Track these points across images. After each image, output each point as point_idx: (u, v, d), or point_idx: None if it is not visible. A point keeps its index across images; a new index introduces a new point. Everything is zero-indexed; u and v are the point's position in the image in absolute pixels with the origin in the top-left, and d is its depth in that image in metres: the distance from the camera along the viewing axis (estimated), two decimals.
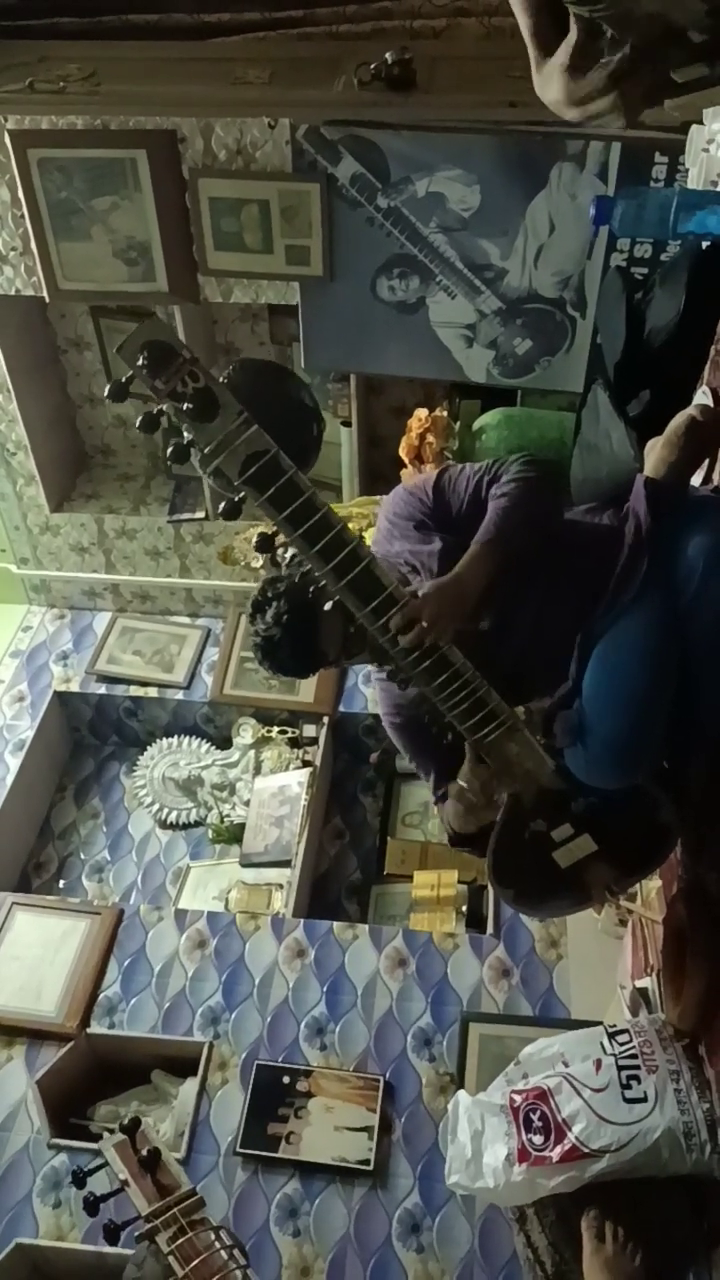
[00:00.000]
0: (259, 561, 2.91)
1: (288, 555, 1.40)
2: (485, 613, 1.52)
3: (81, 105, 2.58)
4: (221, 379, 1.32)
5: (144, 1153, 1.64)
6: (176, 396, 1.26)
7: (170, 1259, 1.53)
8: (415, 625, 1.43)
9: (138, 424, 1.27)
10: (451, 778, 1.74)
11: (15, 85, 2.62)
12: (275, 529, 1.37)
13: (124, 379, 1.26)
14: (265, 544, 1.36)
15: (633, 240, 2.43)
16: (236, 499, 1.31)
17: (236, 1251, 1.57)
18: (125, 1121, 1.69)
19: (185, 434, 1.29)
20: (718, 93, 1.76)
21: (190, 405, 1.26)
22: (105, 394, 1.29)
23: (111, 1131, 1.70)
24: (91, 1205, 1.64)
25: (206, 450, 1.29)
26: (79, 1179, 1.67)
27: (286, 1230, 2.28)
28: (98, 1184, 1.66)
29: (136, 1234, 1.58)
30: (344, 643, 1.56)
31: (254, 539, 1.35)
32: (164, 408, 1.27)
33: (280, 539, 1.37)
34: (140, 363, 1.24)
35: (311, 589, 1.43)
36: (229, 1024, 2.62)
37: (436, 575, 1.57)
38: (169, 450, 1.30)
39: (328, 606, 1.42)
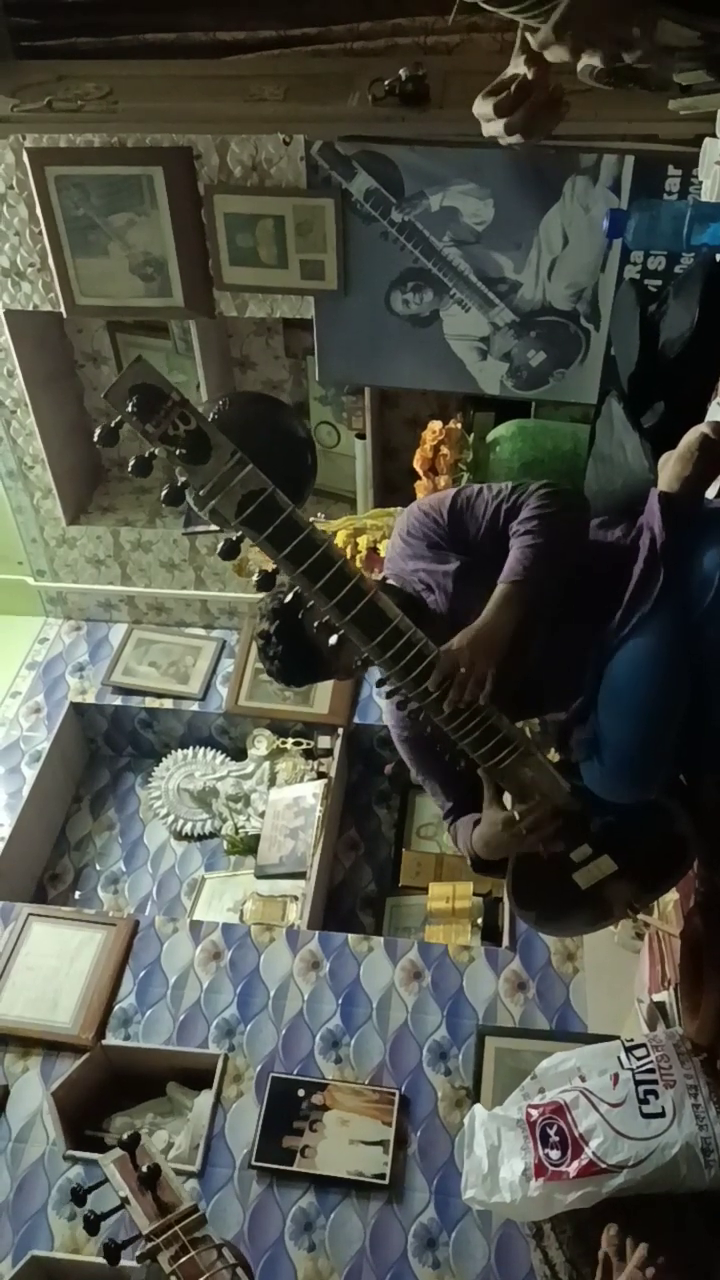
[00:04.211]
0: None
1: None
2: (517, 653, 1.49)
3: (98, 123, 2.61)
4: (212, 415, 1.31)
5: (144, 1169, 1.62)
6: (168, 440, 1.24)
7: (172, 1279, 1.51)
8: (452, 679, 1.42)
9: (130, 468, 1.25)
10: (459, 796, 1.74)
11: (34, 104, 2.65)
12: (276, 566, 1.35)
13: (113, 424, 1.24)
14: (267, 582, 1.34)
15: (646, 252, 2.44)
16: (234, 538, 1.30)
17: (240, 1270, 1.54)
18: (125, 1137, 1.67)
19: (179, 475, 1.27)
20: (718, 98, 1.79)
21: (182, 449, 1.24)
22: (95, 439, 1.26)
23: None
24: (92, 1224, 1.62)
25: (202, 492, 1.27)
26: (79, 1196, 1.66)
27: (302, 1244, 2.27)
28: (99, 1202, 1.65)
29: (137, 1253, 1.56)
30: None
31: (256, 575, 1.34)
32: (156, 451, 1.25)
33: (282, 577, 1.36)
34: (130, 408, 1.22)
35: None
36: (244, 1036, 2.62)
37: (452, 595, 1.57)
38: (163, 493, 1.28)
39: (333, 640, 1.40)
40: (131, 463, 1.25)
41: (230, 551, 1.30)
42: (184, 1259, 1.52)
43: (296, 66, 2.73)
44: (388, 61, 2.62)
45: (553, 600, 1.52)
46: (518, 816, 1.58)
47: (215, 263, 2.72)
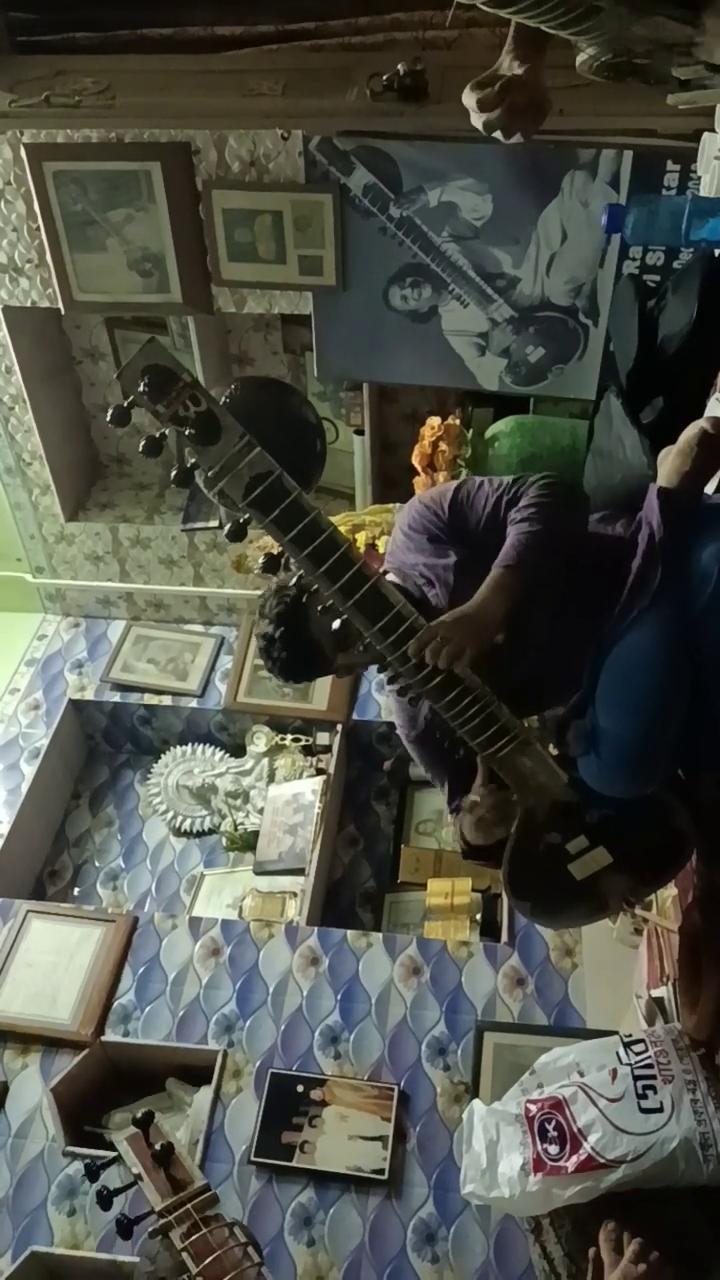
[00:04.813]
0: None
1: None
2: (504, 635, 1.51)
3: (96, 118, 2.60)
4: (223, 399, 1.32)
5: (157, 1147, 1.62)
6: (178, 420, 1.26)
7: (183, 1255, 1.51)
8: (431, 648, 1.43)
9: (141, 448, 1.28)
10: (467, 790, 1.74)
11: (31, 99, 2.64)
12: (281, 549, 1.37)
13: (125, 404, 1.27)
14: (272, 565, 1.36)
15: (645, 248, 2.43)
16: (241, 520, 1.32)
17: (251, 1249, 1.54)
18: (139, 1114, 1.68)
19: (188, 457, 1.29)
20: (717, 93, 1.80)
21: (192, 430, 1.26)
22: (108, 419, 1.29)
23: None
24: (105, 1199, 1.63)
25: (210, 473, 1.29)
26: (92, 1172, 1.66)
27: (301, 1240, 2.27)
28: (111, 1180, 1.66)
29: (150, 1229, 1.57)
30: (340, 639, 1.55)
31: (261, 559, 1.35)
32: (166, 431, 1.27)
33: (287, 559, 1.38)
34: (141, 388, 1.24)
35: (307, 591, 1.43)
36: (243, 1032, 2.62)
37: (452, 588, 1.57)
38: (172, 474, 1.30)
39: (336, 625, 1.42)
40: (142, 443, 1.27)
41: (237, 533, 1.31)
42: (195, 1236, 1.52)
43: (294, 61, 2.72)
44: (386, 56, 2.61)
45: (545, 588, 1.52)
46: (477, 800, 1.61)
47: (213, 258, 2.71)
